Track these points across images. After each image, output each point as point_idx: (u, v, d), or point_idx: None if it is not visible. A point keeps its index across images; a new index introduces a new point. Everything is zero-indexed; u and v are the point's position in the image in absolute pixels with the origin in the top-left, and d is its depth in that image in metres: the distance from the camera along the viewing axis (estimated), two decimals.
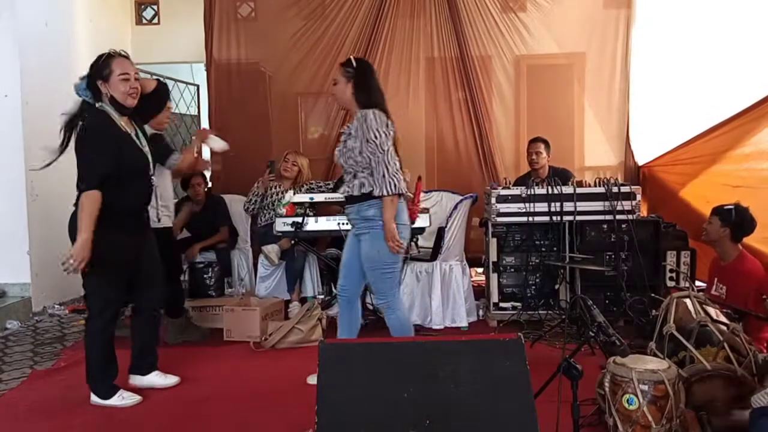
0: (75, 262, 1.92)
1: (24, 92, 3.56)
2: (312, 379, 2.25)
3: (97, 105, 2.09)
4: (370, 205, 2.00)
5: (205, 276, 3.63)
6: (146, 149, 2.18)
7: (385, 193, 1.95)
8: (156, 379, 2.34)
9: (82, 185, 2.01)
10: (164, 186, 2.76)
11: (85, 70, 2.15)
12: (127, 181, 2.08)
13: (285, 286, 3.51)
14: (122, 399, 2.17)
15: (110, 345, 2.18)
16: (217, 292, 3.64)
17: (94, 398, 2.18)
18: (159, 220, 2.69)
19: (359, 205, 2.05)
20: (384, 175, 1.95)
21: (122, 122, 2.12)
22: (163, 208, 2.75)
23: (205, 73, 4.34)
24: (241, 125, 4.15)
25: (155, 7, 5.11)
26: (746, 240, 2.65)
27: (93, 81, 2.07)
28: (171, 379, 2.36)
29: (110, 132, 2.06)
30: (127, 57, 2.14)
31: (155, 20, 5.12)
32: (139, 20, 5.13)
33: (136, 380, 2.33)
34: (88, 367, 2.17)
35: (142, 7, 5.13)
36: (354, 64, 2.08)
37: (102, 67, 2.07)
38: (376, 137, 1.95)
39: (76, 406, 2.21)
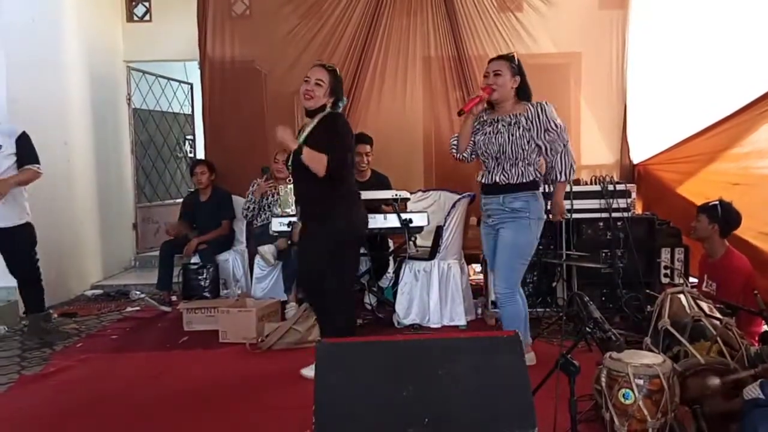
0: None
1: (11, 90, 3.48)
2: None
3: None
4: (517, 197, 2.10)
5: (199, 277, 3.59)
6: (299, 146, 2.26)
7: (564, 178, 2.13)
8: None
9: None
10: None
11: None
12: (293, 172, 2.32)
13: (282, 287, 3.49)
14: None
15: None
16: (211, 294, 3.59)
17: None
18: None
19: (505, 195, 2.12)
20: (572, 165, 2.14)
21: (305, 123, 2.32)
22: None
23: (198, 71, 4.28)
24: (235, 124, 4.11)
25: (147, 4, 5.04)
26: (745, 236, 2.66)
27: None
28: None
29: None
30: (321, 65, 2.30)
31: (147, 17, 5.05)
32: (130, 17, 5.03)
33: None
34: None
35: (134, 3, 5.04)
36: (516, 60, 2.22)
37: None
38: (556, 126, 2.08)
39: (66, 411, 2.17)
